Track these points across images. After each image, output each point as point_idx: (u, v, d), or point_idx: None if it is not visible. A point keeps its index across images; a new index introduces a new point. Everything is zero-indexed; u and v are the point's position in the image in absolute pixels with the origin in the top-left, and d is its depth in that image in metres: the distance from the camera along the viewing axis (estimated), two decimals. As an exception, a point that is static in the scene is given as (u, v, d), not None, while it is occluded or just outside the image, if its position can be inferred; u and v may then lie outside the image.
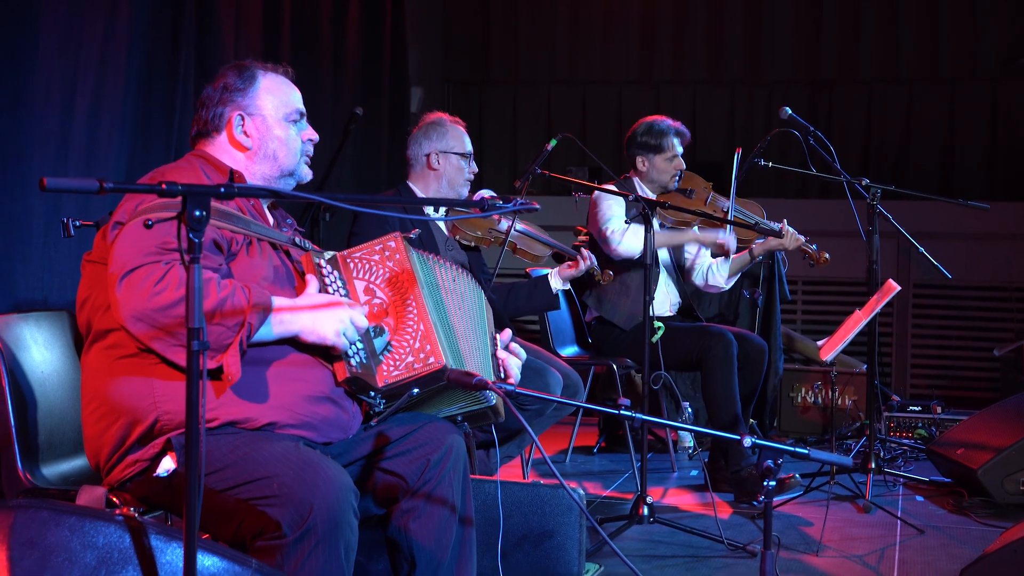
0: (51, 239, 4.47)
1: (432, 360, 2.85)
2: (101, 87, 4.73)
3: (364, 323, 2.85)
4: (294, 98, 3.13)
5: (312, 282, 2.89)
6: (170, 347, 2.61)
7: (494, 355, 3.22)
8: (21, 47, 4.31)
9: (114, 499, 2.76)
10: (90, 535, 2.24)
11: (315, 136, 3.17)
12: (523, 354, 3.32)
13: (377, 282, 2.96)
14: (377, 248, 3.02)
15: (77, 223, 3.66)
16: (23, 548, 2.19)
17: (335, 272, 2.95)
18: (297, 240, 3.05)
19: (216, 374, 2.63)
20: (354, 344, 2.85)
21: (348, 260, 2.99)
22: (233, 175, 2.95)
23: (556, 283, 4.91)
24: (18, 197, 4.34)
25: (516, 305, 4.91)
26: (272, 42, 6.23)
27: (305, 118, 3.16)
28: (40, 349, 3.16)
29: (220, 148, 3.07)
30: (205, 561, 2.25)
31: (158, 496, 2.76)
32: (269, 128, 3.07)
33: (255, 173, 3.06)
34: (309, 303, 2.81)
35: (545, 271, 5.11)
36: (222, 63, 5.65)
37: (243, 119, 3.05)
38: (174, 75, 5.22)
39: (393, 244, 3.01)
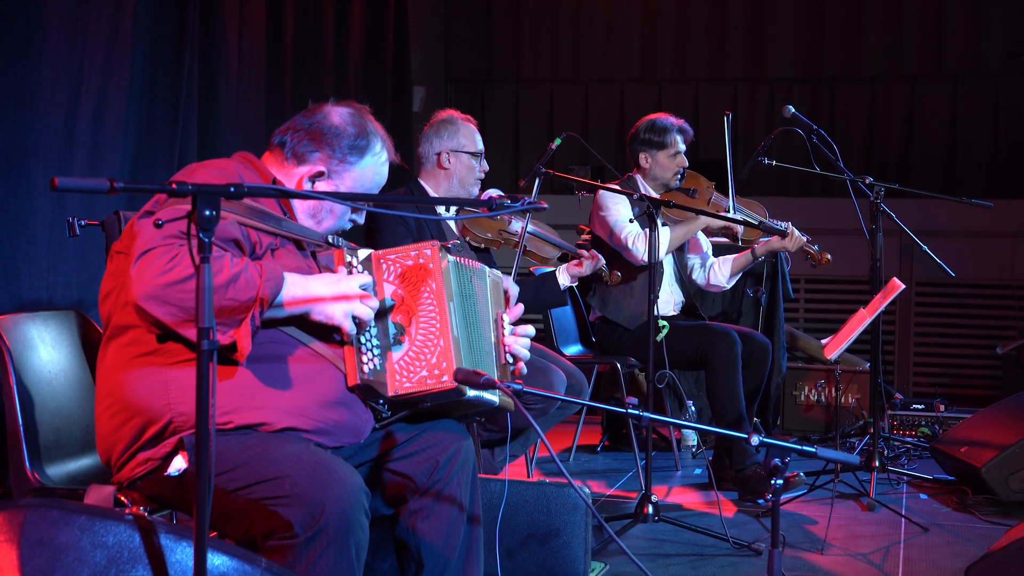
0: (56, 239, 4.47)
1: (446, 379, 2.82)
2: (106, 86, 4.74)
3: (371, 311, 2.82)
4: (375, 188, 3.07)
5: (341, 272, 2.87)
6: (182, 322, 2.58)
7: (499, 342, 3.15)
8: (27, 47, 4.32)
9: (122, 498, 2.76)
10: (100, 534, 2.24)
11: (360, 221, 3.10)
12: (531, 331, 3.24)
13: (405, 287, 2.91)
14: (412, 254, 2.95)
15: (83, 222, 3.69)
16: (34, 547, 2.19)
17: (366, 272, 2.91)
18: (330, 239, 3.01)
19: (229, 352, 2.63)
20: (371, 349, 2.84)
21: (382, 261, 2.93)
22: (275, 184, 2.93)
23: (564, 280, 4.90)
24: (23, 196, 4.35)
25: (524, 301, 4.89)
26: (276, 41, 6.24)
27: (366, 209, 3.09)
28: (47, 348, 3.17)
29: (284, 175, 3.00)
30: (215, 560, 2.25)
31: (168, 495, 2.76)
32: (332, 203, 2.98)
33: (300, 216, 2.99)
34: (321, 281, 2.78)
35: (546, 270, 5.11)
36: (226, 64, 5.69)
37: (321, 176, 2.98)
38: (178, 74, 5.23)
39: (429, 252, 2.94)
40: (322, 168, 2.98)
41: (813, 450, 2.56)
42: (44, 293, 4.44)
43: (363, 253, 2.96)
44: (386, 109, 7.66)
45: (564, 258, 5.02)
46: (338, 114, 3.02)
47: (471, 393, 2.88)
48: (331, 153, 2.98)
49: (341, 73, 7.04)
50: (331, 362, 2.84)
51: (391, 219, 4.44)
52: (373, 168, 3.04)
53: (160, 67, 5.13)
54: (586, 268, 4.88)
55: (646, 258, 5.20)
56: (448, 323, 2.88)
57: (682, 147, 5.51)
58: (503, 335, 3.16)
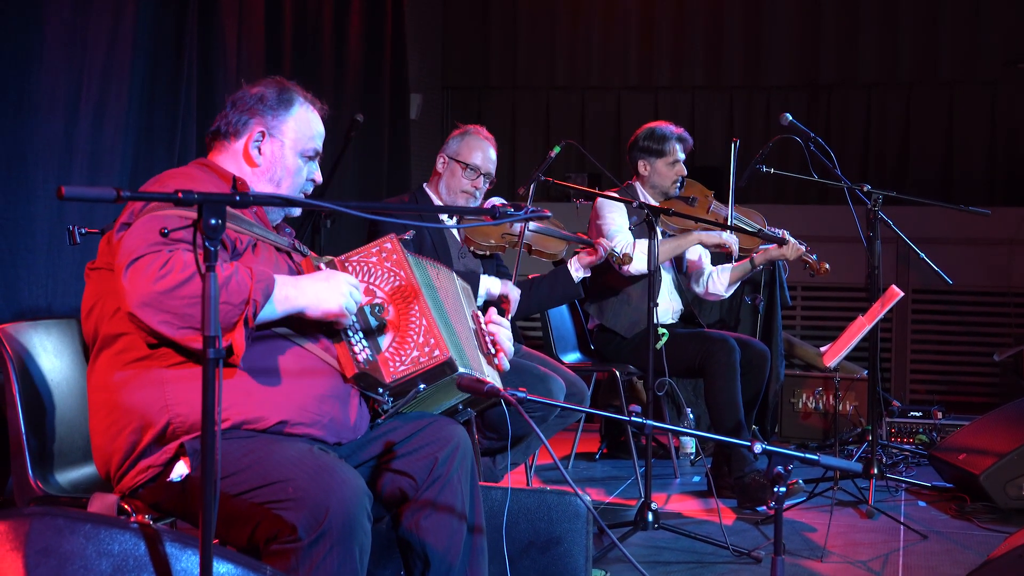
0: (55, 246, 4.47)
1: (437, 353, 2.89)
2: (105, 93, 4.74)
3: (361, 297, 2.90)
4: (317, 136, 3.17)
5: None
6: (178, 330, 2.61)
7: (478, 332, 3.23)
8: (26, 54, 4.32)
9: (126, 506, 2.76)
10: (105, 543, 2.24)
11: (319, 179, 3.21)
12: (506, 323, 3.34)
13: (376, 283, 3.00)
14: (374, 251, 3.06)
15: (83, 230, 3.68)
16: (39, 556, 2.19)
17: None
18: (296, 245, 3.08)
19: (225, 355, 2.63)
20: (360, 341, 2.87)
21: (347, 263, 3.03)
22: (236, 181, 2.97)
23: (577, 271, 4.91)
24: (22, 204, 4.35)
25: (539, 299, 4.92)
26: (274, 50, 6.24)
27: (318, 159, 3.19)
28: (49, 357, 3.16)
29: (231, 156, 3.10)
30: (220, 568, 2.25)
31: (170, 502, 2.76)
32: (283, 156, 3.10)
33: (256, 190, 3.07)
34: (311, 279, 2.85)
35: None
36: (225, 70, 5.69)
37: (263, 136, 3.09)
38: (177, 82, 5.23)
39: (389, 246, 3.06)
40: (261, 128, 3.09)
41: (816, 458, 2.57)
42: (43, 301, 4.44)
43: (326, 259, 3.05)
44: (383, 116, 7.67)
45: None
46: (255, 86, 3.16)
47: (462, 369, 2.93)
48: (263, 113, 3.10)
49: (339, 80, 7.04)
50: (324, 360, 2.87)
51: (392, 226, 4.46)
52: (305, 114, 3.16)
53: (159, 75, 5.13)
54: (600, 255, 4.88)
55: (630, 270, 5.21)
56: (425, 304, 2.97)
57: (681, 156, 5.51)
58: (481, 328, 3.27)
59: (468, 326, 3.21)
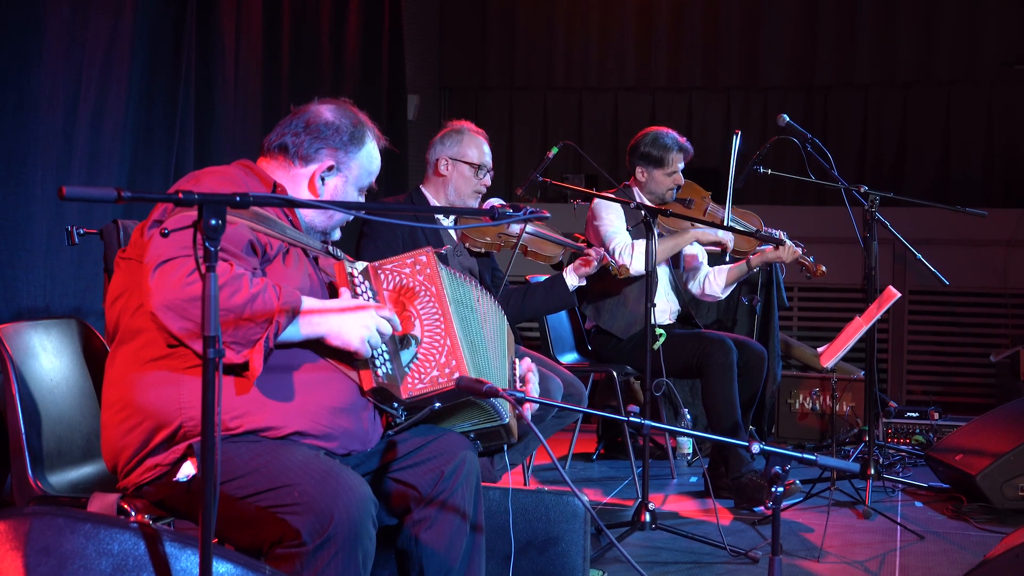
0: (53, 247, 4.48)
1: (457, 375, 2.86)
2: (104, 94, 4.75)
3: (389, 329, 2.86)
4: (375, 172, 3.19)
5: (345, 294, 2.91)
6: (197, 337, 2.61)
7: (512, 379, 3.23)
8: (25, 54, 4.33)
9: (125, 506, 2.76)
10: (105, 542, 2.25)
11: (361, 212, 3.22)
12: (535, 383, 3.35)
13: (407, 295, 2.98)
14: (408, 261, 3.04)
15: (81, 231, 3.69)
16: (39, 555, 2.20)
17: (367, 282, 2.96)
18: (330, 249, 3.09)
19: (241, 369, 2.66)
20: (382, 355, 2.86)
21: (379, 271, 3.01)
22: (276, 188, 2.97)
23: (572, 280, 4.90)
24: (21, 204, 4.36)
25: (533, 306, 4.91)
26: (272, 50, 6.25)
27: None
28: (49, 357, 3.17)
29: (291, 177, 3.08)
30: (219, 568, 2.26)
31: (175, 501, 2.77)
32: (344, 191, 3.12)
33: (308, 214, 3.08)
34: (338, 306, 2.82)
35: (540, 278, 5.12)
36: (223, 71, 5.70)
37: (331, 170, 3.09)
38: (175, 81, 5.25)
39: (424, 259, 3.04)
40: (331, 162, 3.10)
41: (814, 458, 2.57)
42: (41, 301, 4.44)
43: (360, 264, 3.03)
44: (381, 117, 7.67)
45: (573, 255, 5.02)
46: (328, 111, 3.14)
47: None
48: (336, 147, 3.10)
49: (337, 82, 7.05)
50: (341, 371, 2.86)
51: (384, 225, 4.47)
52: (369, 153, 3.17)
53: (158, 75, 5.14)
54: (593, 265, 4.87)
55: (631, 270, 5.19)
56: (452, 323, 2.95)
57: (680, 166, 5.49)
58: (516, 376, 3.27)
59: (502, 355, 3.20)
